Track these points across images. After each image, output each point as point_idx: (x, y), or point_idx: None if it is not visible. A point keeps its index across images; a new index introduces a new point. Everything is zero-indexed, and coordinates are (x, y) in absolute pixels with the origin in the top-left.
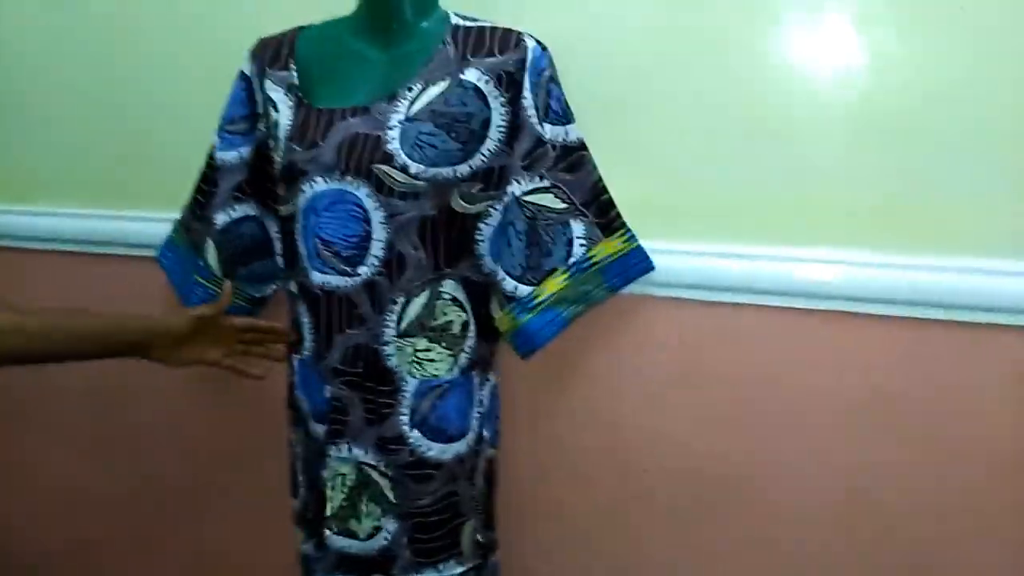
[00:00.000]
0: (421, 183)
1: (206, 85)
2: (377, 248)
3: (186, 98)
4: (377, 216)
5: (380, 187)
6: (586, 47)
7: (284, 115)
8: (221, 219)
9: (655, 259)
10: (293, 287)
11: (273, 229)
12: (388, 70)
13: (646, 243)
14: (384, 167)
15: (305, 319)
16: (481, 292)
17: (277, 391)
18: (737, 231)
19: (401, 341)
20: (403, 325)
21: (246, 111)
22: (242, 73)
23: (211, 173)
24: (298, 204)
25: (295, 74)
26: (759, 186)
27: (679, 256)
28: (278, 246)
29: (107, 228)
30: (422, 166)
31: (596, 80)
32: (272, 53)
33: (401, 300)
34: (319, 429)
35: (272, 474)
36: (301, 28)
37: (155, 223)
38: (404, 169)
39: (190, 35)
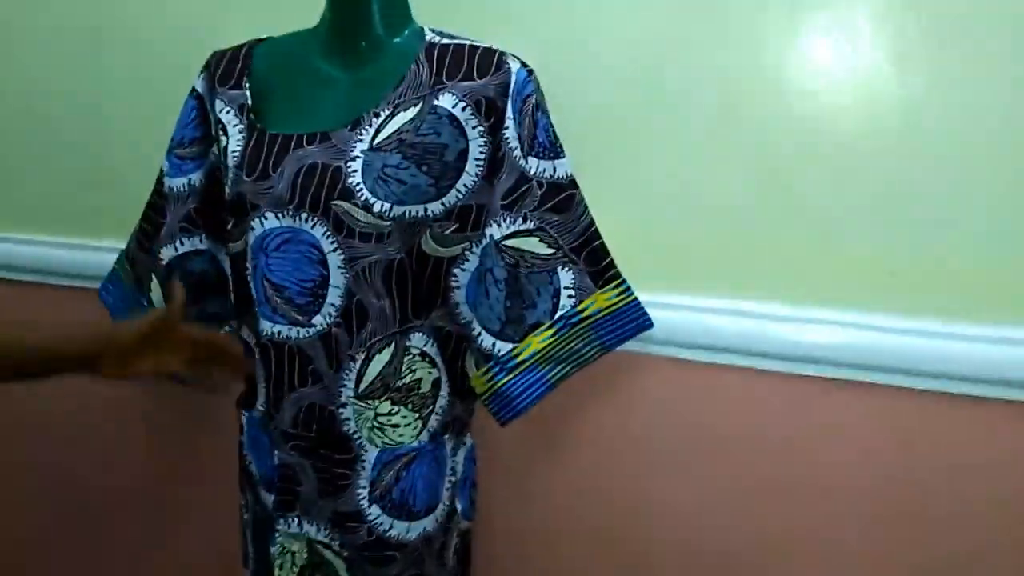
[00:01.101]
0: (386, 223)
1: (165, 104)
2: (335, 296)
3: (143, 120)
4: (335, 259)
5: (339, 226)
6: (577, 71)
7: (234, 140)
8: (167, 253)
9: (654, 314)
10: (245, 334)
11: (227, 264)
12: (353, 93)
13: (644, 296)
14: (344, 204)
15: (258, 370)
16: (457, 344)
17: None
18: (745, 285)
19: (360, 404)
20: (363, 385)
21: (198, 133)
22: (194, 90)
23: (158, 201)
24: (248, 241)
25: (248, 94)
26: (770, 237)
27: (680, 311)
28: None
29: (59, 257)
30: (387, 203)
31: (590, 105)
32: (224, 69)
33: (361, 357)
34: (268, 498)
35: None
36: (258, 41)
37: (107, 253)
38: (367, 207)
39: (157, 48)
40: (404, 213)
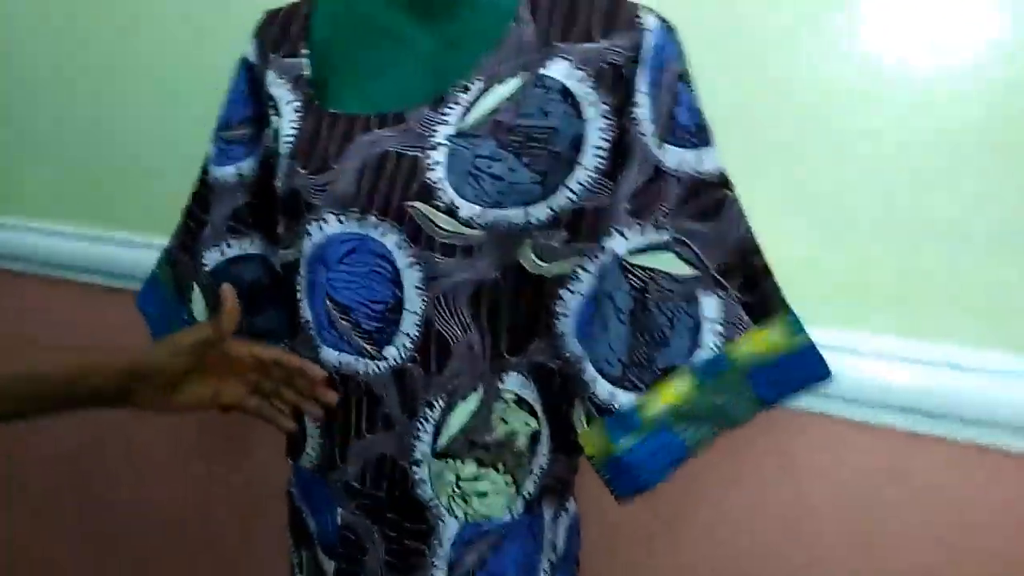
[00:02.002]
0: (476, 232)
1: (211, 84)
2: (410, 323)
3: (186, 100)
4: (411, 277)
5: (415, 235)
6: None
7: (287, 121)
8: (212, 258)
9: (831, 360)
10: None
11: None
12: (435, 59)
13: (818, 335)
14: (422, 206)
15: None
16: (561, 384)
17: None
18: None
19: (439, 463)
20: (442, 440)
21: (249, 111)
22: (244, 60)
23: (202, 192)
24: (303, 250)
25: (306, 62)
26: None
27: (863, 359)
28: None
29: (93, 252)
30: (478, 207)
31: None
32: (278, 31)
33: (440, 403)
34: (327, 565)
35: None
36: None
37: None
38: (451, 210)
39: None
40: (499, 219)
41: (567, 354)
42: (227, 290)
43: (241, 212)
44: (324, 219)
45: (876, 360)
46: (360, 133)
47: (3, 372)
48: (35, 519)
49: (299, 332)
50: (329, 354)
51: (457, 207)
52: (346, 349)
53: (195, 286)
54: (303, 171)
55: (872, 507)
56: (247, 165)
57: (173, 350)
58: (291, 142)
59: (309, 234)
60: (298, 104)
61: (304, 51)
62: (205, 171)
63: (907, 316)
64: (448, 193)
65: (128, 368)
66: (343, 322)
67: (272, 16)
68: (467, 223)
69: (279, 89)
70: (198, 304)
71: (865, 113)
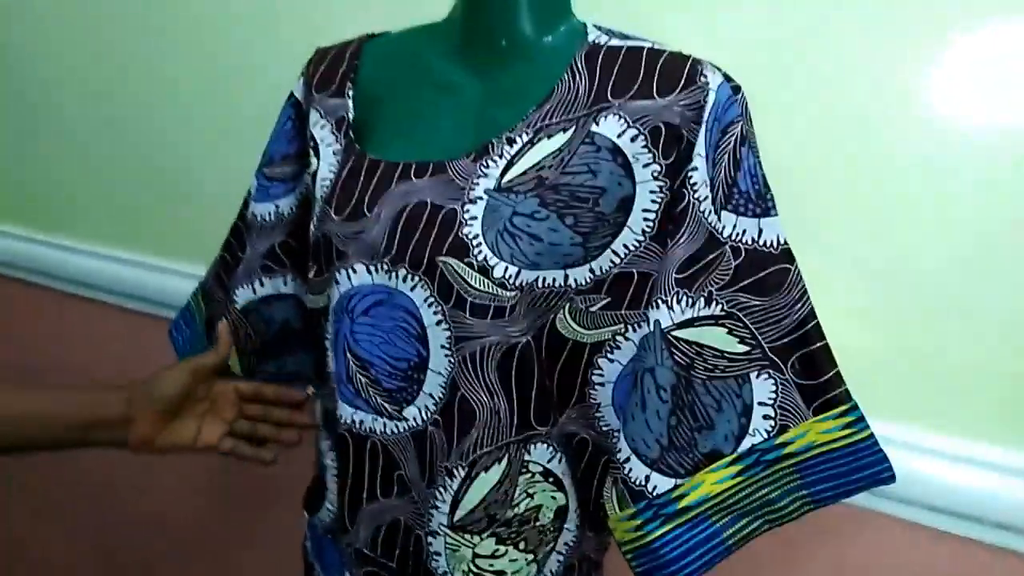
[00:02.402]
0: (510, 293)
1: (256, 109)
2: (434, 384)
3: (237, 126)
4: (438, 336)
5: (446, 292)
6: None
7: (326, 163)
8: (243, 295)
9: (893, 456)
10: (319, 410)
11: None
12: (483, 108)
13: (878, 428)
14: (454, 262)
15: (330, 463)
16: (593, 457)
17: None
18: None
19: (455, 536)
20: (460, 513)
21: (292, 149)
22: (292, 96)
23: (240, 228)
24: (331, 298)
25: (351, 104)
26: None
27: (926, 458)
28: None
29: (128, 275)
30: (514, 267)
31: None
32: (325, 71)
33: (460, 473)
34: None
35: None
36: (371, 36)
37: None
38: (484, 269)
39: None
40: (536, 281)
41: (603, 426)
42: (222, 325)
43: (277, 251)
44: (353, 268)
45: (940, 460)
46: (398, 181)
47: (6, 407)
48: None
49: (324, 381)
50: (345, 410)
51: (491, 266)
52: (362, 407)
53: (224, 323)
54: (336, 217)
55: None
56: (286, 203)
57: (171, 379)
58: (327, 185)
59: (337, 282)
60: (337, 147)
61: (349, 92)
62: (245, 206)
63: (977, 415)
64: (483, 250)
65: (130, 396)
66: (362, 378)
67: (322, 54)
68: (501, 283)
69: (321, 130)
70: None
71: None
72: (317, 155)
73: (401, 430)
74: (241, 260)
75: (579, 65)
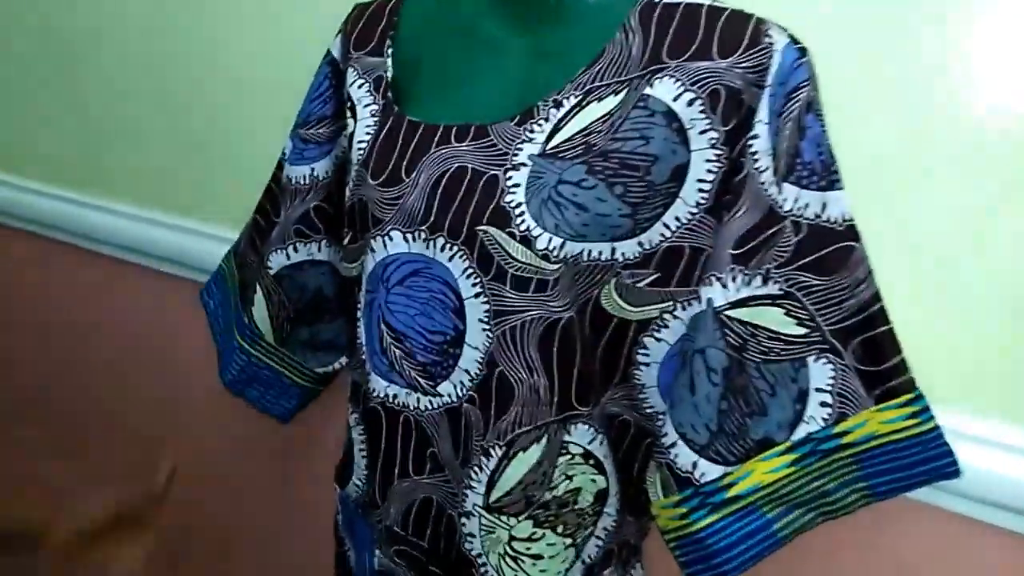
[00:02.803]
0: (553, 266)
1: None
2: (471, 359)
3: (265, 85)
4: (476, 309)
5: (486, 263)
6: None
7: (363, 125)
8: (276, 261)
9: (961, 452)
10: (350, 383)
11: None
12: (528, 68)
13: (946, 419)
14: (495, 231)
15: (357, 436)
16: (635, 439)
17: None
18: None
19: (491, 517)
20: (496, 494)
21: (328, 110)
22: (328, 54)
23: (274, 190)
24: (365, 266)
25: (390, 63)
26: None
27: (988, 450)
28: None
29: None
30: (558, 238)
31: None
32: (364, 28)
33: (497, 452)
34: None
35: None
36: None
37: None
38: (527, 239)
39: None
40: (581, 253)
41: (647, 408)
42: (169, 467)
43: (311, 216)
44: (389, 235)
45: (1006, 454)
46: (438, 144)
47: None
48: None
49: (354, 352)
50: (378, 383)
51: (534, 236)
52: (396, 380)
53: (258, 288)
54: (373, 181)
55: None
56: (321, 166)
57: (101, 507)
58: (364, 148)
59: (373, 250)
60: (375, 108)
61: (388, 50)
62: (280, 168)
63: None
64: (525, 220)
65: (47, 513)
66: (396, 350)
67: (361, 11)
68: (544, 255)
69: (358, 90)
70: (260, 308)
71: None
72: (354, 115)
73: (435, 406)
74: (275, 224)
75: (632, 23)
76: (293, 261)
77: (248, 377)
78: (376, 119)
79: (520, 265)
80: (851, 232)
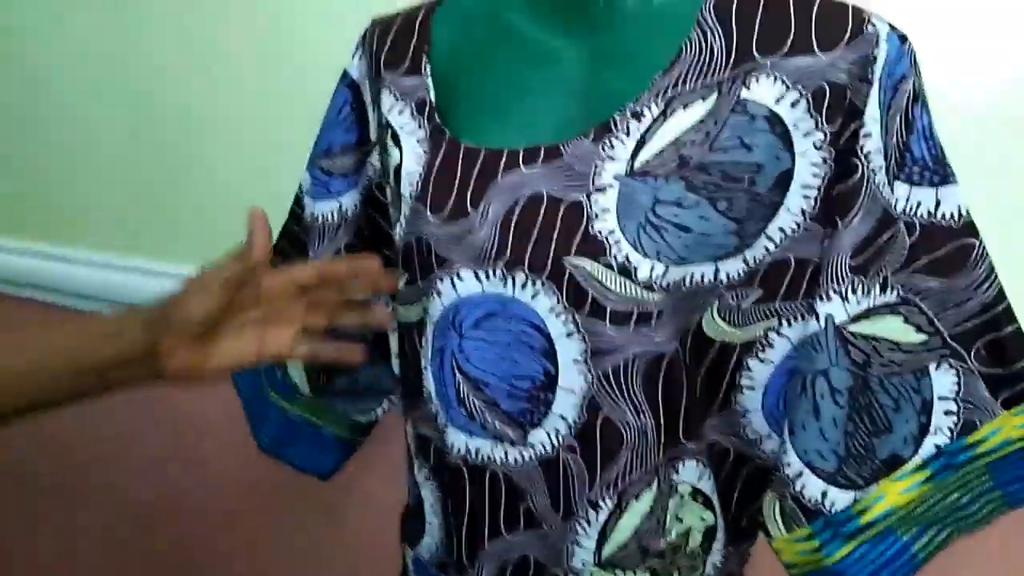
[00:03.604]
0: (656, 295)
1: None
2: (567, 404)
3: (234, 112)
4: (570, 349)
5: (578, 299)
6: None
7: (412, 154)
8: None
9: None
10: (411, 435)
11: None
12: (593, 79)
13: None
14: (588, 263)
15: (429, 494)
16: (734, 467)
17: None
18: None
19: (604, 574)
20: (609, 548)
21: (352, 137)
22: (346, 76)
23: (296, 230)
24: (428, 310)
25: (430, 83)
26: None
27: None
28: (395, 344)
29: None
30: (661, 265)
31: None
32: (393, 45)
33: (608, 505)
34: None
35: None
36: (437, 2)
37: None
38: (626, 269)
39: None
40: (684, 279)
41: (751, 434)
42: (256, 213)
43: (343, 254)
44: (459, 275)
45: None
46: (504, 171)
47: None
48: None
49: (418, 405)
50: (457, 437)
51: (635, 265)
52: (479, 432)
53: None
54: (433, 217)
55: None
56: (349, 200)
57: (200, 291)
58: (417, 180)
59: (439, 292)
60: (422, 134)
61: (427, 69)
62: (300, 204)
63: None
64: (623, 247)
65: (151, 320)
66: (477, 400)
67: (383, 27)
68: (647, 285)
69: (399, 115)
70: (297, 364)
71: None
72: (398, 144)
73: (527, 458)
74: None
75: (708, 18)
76: None
77: (287, 436)
78: (425, 147)
79: (619, 297)
80: (969, 229)
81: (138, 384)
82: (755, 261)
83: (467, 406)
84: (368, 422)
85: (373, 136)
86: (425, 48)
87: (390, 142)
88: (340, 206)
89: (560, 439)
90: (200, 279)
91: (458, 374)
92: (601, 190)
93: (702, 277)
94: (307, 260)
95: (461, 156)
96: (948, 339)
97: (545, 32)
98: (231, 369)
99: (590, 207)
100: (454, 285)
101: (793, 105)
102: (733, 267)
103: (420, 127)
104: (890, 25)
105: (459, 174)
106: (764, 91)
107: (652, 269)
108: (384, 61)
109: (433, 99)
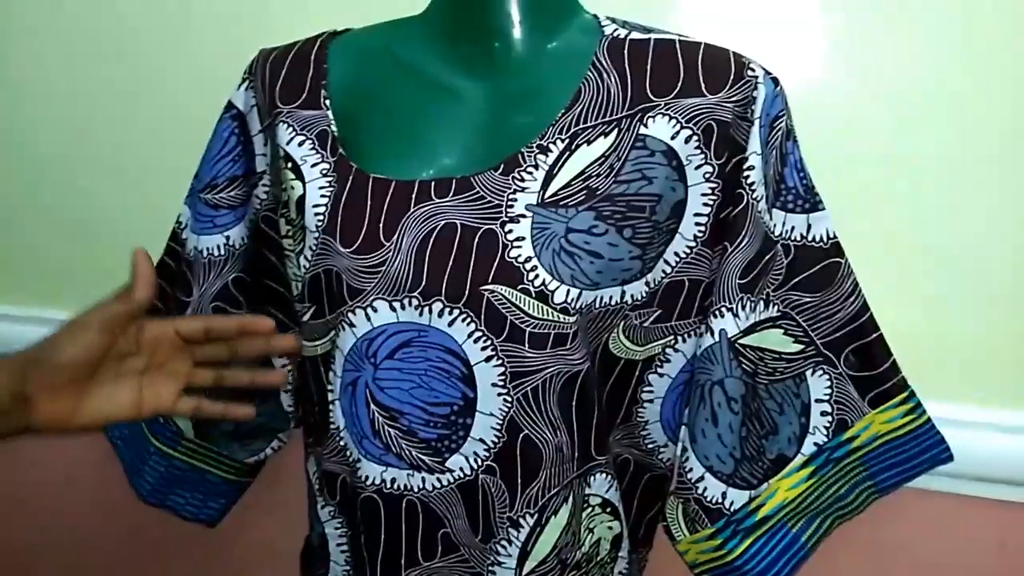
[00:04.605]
0: (571, 318)
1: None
2: (484, 427)
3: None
4: (489, 374)
5: (496, 325)
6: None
7: (315, 187)
8: None
9: (953, 438)
10: (313, 472)
11: (278, 359)
12: (495, 114)
13: (936, 407)
14: (505, 290)
15: (334, 531)
16: (634, 476)
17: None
18: None
19: None
20: (530, 564)
21: (239, 169)
22: (231, 107)
23: (177, 269)
24: (338, 343)
25: (331, 115)
26: None
27: (991, 432)
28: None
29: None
30: (575, 289)
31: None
32: (288, 76)
33: (528, 522)
34: None
35: None
36: (332, 35)
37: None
38: (544, 295)
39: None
40: (595, 301)
41: (649, 443)
42: (139, 253)
43: (230, 289)
44: (373, 307)
45: (975, 431)
46: (416, 202)
47: None
48: None
49: (322, 441)
50: (371, 469)
51: (552, 290)
52: (395, 463)
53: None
54: (345, 249)
55: None
56: (237, 233)
57: (76, 332)
58: (324, 213)
59: (352, 324)
60: (326, 166)
61: (326, 101)
62: (179, 241)
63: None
64: (540, 274)
65: (20, 365)
66: (392, 430)
67: (274, 58)
68: (563, 309)
69: (299, 148)
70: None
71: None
72: (300, 177)
73: (444, 483)
74: (185, 304)
75: (603, 60)
76: None
77: (169, 483)
78: (330, 179)
79: (537, 322)
80: (836, 249)
81: (5, 436)
82: (655, 283)
83: (382, 437)
84: (257, 462)
85: (259, 168)
86: (322, 81)
87: (289, 174)
88: (228, 239)
89: (479, 462)
90: (78, 321)
91: (372, 405)
92: (514, 220)
93: (611, 299)
94: (189, 294)
95: (371, 187)
96: (821, 347)
97: (445, 71)
98: (106, 421)
99: (504, 236)
100: (368, 316)
101: (687, 141)
102: (637, 289)
103: (323, 159)
104: (764, 69)
105: (369, 205)
106: (661, 128)
107: (568, 293)
108: (280, 92)
109: (336, 131)
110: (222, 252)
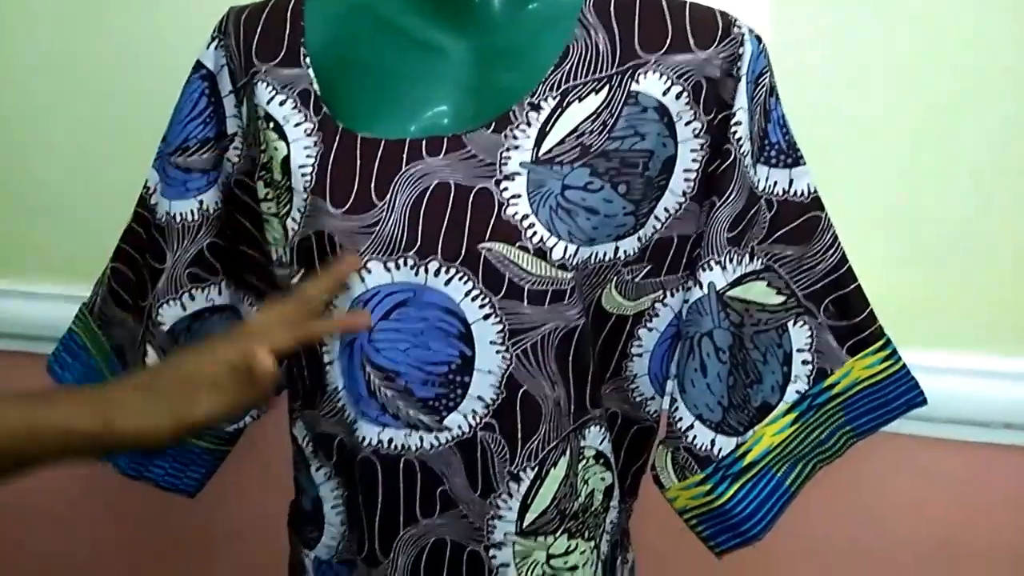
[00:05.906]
0: (569, 274)
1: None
2: (483, 385)
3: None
4: (487, 332)
5: (494, 283)
6: None
7: (300, 147)
8: (170, 314)
9: (926, 383)
10: (303, 436)
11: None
12: (481, 72)
13: (908, 355)
14: (502, 247)
15: (329, 492)
16: (622, 428)
17: None
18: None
19: (527, 542)
20: (531, 516)
21: (211, 131)
22: (200, 66)
23: (148, 234)
24: (336, 306)
25: (312, 73)
26: None
27: (959, 377)
28: None
29: None
30: (573, 245)
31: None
32: (263, 34)
33: (529, 475)
34: None
35: None
36: None
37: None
38: (542, 251)
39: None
40: (590, 257)
41: (637, 396)
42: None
43: (206, 255)
44: (367, 268)
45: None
46: (407, 161)
47: None
48: None
49: (316, 403)
50: (368, 430)
51: (549, 247)
52: (392, 423)
53: (148, 349)
54: (336, 210)
55: (950, 523)
56: (210, 197)
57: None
58: (311, 173)
59: (346, 286)
60: (310, 126)
61: (306, 59)
62: (149, 207)
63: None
64: (537, 230)
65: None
66: (387, 391)
67: (247, 15)
68: (561, 265)
69: (280, 107)
70: None
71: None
72: (283, 137)
73: (443, 441)
74: (157, 273)
75: (590, 16)
76: (191, 311)
77: (147, 454)
78: (315, 139)
79: (536, 278)
80: (816, 203)
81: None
82: (646, 238)
83: (378, 398)
84: (236, 430)
85: (230, 129)
86: (300, 39)
87: (272, 134)
88: (201, 204)
89: (477, 419)
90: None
91: (368, 366)
92: (509, 177)
93: (605, 255)
94: (163, 260)
95: (359, 147)
96: (802, 299)
97: (426, 28)
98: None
99: (500, 194)
100: (362, 278)
101: (677, 97)
102: (630, 245)
103: (307, 119)
104: (748, 27)
105: (359, 165)
106: (652, 84)
107: (566, 249)
108: (256, 50)
109: (318, 90)
110: (196, 217)
